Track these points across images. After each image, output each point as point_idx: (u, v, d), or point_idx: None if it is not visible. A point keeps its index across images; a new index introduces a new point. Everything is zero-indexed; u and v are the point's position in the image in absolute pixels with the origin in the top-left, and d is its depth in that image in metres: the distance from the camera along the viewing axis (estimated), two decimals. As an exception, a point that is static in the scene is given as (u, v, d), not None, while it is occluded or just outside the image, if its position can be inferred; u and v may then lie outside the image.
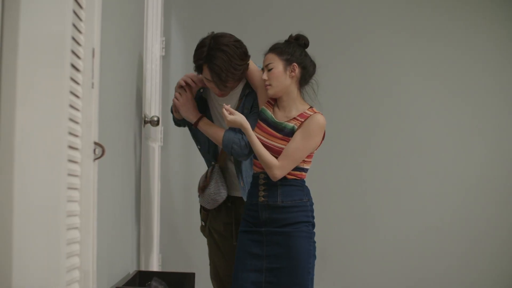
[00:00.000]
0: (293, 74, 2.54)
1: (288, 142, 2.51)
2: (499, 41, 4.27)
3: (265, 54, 2.59)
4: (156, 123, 3.14)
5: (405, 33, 4.26)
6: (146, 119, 3.06)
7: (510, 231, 4.19)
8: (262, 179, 2.56)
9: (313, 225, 2.59)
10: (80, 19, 1.56)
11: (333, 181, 2.87)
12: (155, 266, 3.71)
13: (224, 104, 2.53)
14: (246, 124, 2.50)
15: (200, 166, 4.09)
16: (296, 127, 2.51)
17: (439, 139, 4.23)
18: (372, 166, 4.24)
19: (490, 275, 4.17)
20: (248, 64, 2.63)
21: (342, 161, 4.09)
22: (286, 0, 4.29)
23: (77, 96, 1.54)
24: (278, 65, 2.53)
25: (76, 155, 1.54)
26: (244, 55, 2.59)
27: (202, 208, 2.90)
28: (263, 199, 2.55)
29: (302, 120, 2.52)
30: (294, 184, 2.55)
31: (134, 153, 2.79)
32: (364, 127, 4.21)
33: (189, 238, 4.15)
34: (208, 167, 2.87)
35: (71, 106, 1.48)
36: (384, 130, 4.23)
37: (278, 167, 2.48)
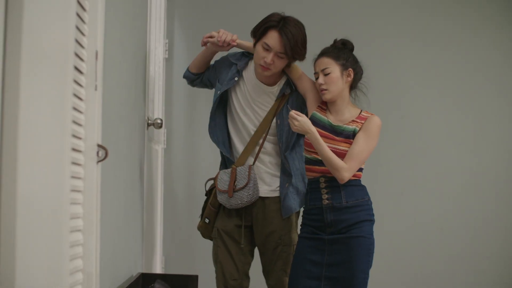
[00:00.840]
0: (349, 79, 2.63)
1: (347, 143, 2.57)
2: (503, 45, 4.27)
3: (317, 59, 2.65)
4: (160, 125, 3.14)
5: (409, 37, 4.27)
6: (149, 121, 3.06)
7: (513, 233, 4.19)
8: (323, 183, 2.61)
9: (373, 223, 2.66)
10: (84, 22, 1.56)
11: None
12: (158, 268, 3.71)
13: (292, 110, 2.57)
14: (313, 127, 2.53)
15: (203, 168, 4.11)
16: (357, 129, 2.57)
17: (443, 141, 4.23)
18: (377, 168, 4.23)
19: (494, 276, 4.16)
20: (305, 53, 2.67)
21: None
22: (291, 5, 4.27)
23: (80, 99, 1.54)
24: (335, 69, 2.60)
25: (79, 157, 1.54)
26: (306, 42, 2.66)
27: (210, 205, 2.87)
28: (327, 201, 2.60)
29: (362, 122, 2.59)
30: (355, 184, 2.61)
31: (138, 156, 2.79)
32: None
33: (192, 240, 4.15)
34: (227, 166, 2.86)
35: (74, 109, 1.48)
36: (389, 132, 4.23)
37: (347, 170, 2.52)
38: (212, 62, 2.95)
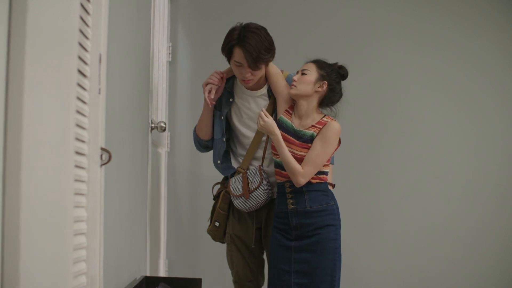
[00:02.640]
0: (320, 89, 2.71)
1: (306, 148, 2.66)
2: (505, 47, 4.27)
3: (307, 62, 2.76)
4: (163, 128, 3.15)
5: (411, 40, 4.26)
6: (153, 124, 3.06)
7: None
8: (288, 187, 2.70)
9: (339, 227, 2.74)
10: (87, 25, 1.57)
11: (339, 185, 2.88)
12: (161, 271, 3.71)
13: (263, 109, 2.71)
14: (277, 130, 2.67)
15: (207, 172, 4.10)
16: (315, 134, 2.67)
17: (445, 144, 4.23)
18: (378, 171, 4.23)
19: (496, 279, 4.15)
20: (274, 52, 2.75)
21: (349, 165, 4.08)
22: (294, 9, 4.29)
23: (84, 102, 1.54)
24: (312, 74, 2.70)
25: (83, 160, 1.54)
26: (272, 42, 2.73)
27: (219, 209, 2.90)
28: (292, 206, 2.69)
29: (320, 127, 2.68)
30: (319, 189, 2.70)
31: (141, 159, 2.79)
32: (370, 132, 4.20)
33: (196, 243, 4.15)
34: (230, 172, 2.90)
35: (78, 112, 1.48)
36: (390, 135, 4.23)
37: (302, 175, 2.62)
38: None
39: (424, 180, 4.21)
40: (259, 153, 2.87)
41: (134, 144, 2.60)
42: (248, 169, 2.85)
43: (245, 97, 2.88)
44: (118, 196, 2.24)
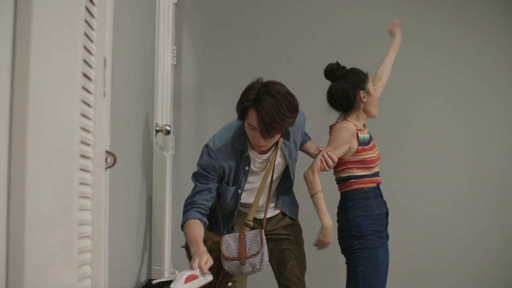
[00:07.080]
0: (367, 96, 2.91)
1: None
2: (509, 51, 4.27)
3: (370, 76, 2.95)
4: (168, 131, 3.15)
5: (416, 44, 4.25)
6: (157, 127, 3.06)
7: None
8: (381, 190, 2.95)
9: None
10: (92, 28, 1.57)
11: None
12: (166, 275, 3.70)
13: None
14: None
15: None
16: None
17: (449, 147, 4.22)
18: (383, 173, 4.22)
19: (501, 280, 4.14)
20: (293, 120, 2.42)
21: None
22: (298, 13, 4.28)
23: (88, 105, 1.54)
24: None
25: (88, 164, 1.55)
26: (293, 108, 2.39)
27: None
28: (387, 206, 2.91)
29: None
30: None
31: (146, 162, 2.79)
32: (375, 135, 4.19)
33: (200, 246, 4.14)
34: (226, 230, 2.70)
35: (83, 115, 1.49)
36: (395, 138, 4.22)
37: None
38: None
39: (428, 183, 4.20)
40: (262, 201, 2.67)
41: (139, 147, 2.60)
42: (248, 224, 2.65)
43: (253, 156, 2.63)
44: (123, 199, 2.24)
